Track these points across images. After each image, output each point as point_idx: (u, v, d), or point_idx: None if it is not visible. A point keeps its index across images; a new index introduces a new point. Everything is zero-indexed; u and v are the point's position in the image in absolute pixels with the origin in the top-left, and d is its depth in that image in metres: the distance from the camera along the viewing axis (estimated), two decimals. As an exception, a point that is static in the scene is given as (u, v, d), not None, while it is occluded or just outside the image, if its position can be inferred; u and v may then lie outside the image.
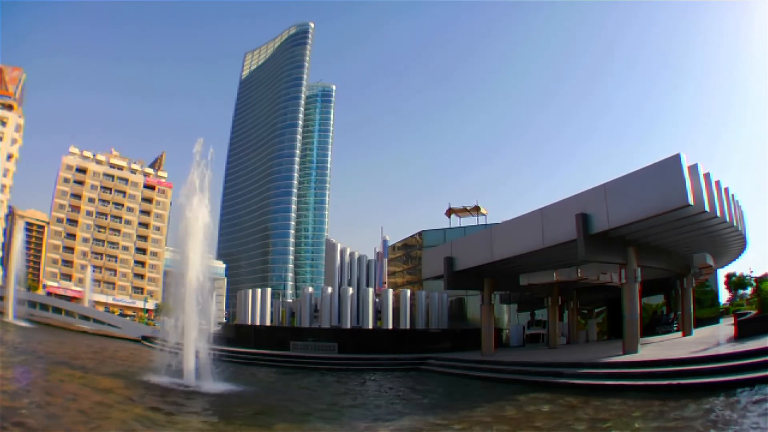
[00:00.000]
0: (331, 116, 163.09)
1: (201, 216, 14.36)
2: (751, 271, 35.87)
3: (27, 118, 76.84)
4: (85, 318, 39.41)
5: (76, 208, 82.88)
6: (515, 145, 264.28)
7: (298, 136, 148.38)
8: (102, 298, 77.03)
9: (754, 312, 21.47)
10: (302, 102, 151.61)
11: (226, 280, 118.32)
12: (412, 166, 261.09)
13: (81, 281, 74.49)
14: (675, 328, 26.04)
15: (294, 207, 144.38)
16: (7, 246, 57.61)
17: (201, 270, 13.96)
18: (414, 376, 19.22)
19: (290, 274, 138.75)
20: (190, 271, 13.83)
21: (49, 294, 65.31)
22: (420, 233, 45.41)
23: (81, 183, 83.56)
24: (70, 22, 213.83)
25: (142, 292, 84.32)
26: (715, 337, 17.62)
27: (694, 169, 13.40)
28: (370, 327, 30.93)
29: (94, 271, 72.98)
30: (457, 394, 14.71)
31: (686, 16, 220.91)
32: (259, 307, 34.18)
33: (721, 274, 34.80)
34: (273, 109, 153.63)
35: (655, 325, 27.83)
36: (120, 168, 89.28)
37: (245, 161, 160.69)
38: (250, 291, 35.62)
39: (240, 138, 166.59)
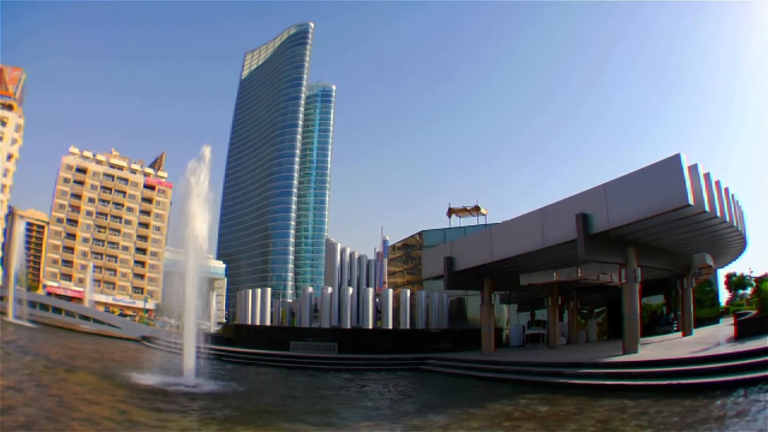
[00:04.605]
0: (331, 116, 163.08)
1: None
2: (751, 271, 35.87)
3: (27, 118, 76.92)
4: (85, 318, 39.43)
5: (76, 208, 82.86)
6: (515, 145, 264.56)
7: (298, 136, 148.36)
8: (102, 298, 77.01)
9: (754, 312, 21.46)
10: (302, 102, 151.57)
11: (226, 280, 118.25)
12: (412, 166, 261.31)
13: (81, 281, 74.54)
14: (675, 328, 26.03)
15: (294, 207, 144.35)
16: (7, 246, 57.60)
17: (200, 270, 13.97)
18: (414, 376, 19.22)
19: (290, 274, 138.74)
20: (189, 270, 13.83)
21: (49, 294, 65.28)
22: (420, 233, 45.44)
23: (81, 183, 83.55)
24: (70, 22, 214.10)
25: (142, 292, 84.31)
26: (715, 337, 17.61)
27: (694, 169, 13.40)
28: (370, 327, 30.90)
29: (94, 271, 72.95)
30: (457, 394, 14.70)
31: (686, 16, 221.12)
32: (259, 307, 34.14)
33: (721, 274, 34.84)
34: (273, 109, 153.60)
35: (655, 325, 27.82)
36: (120, 168, 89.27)
37: (245, 161, 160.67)
38: (250, 291, 35.58)
39: (240, 138, 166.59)
